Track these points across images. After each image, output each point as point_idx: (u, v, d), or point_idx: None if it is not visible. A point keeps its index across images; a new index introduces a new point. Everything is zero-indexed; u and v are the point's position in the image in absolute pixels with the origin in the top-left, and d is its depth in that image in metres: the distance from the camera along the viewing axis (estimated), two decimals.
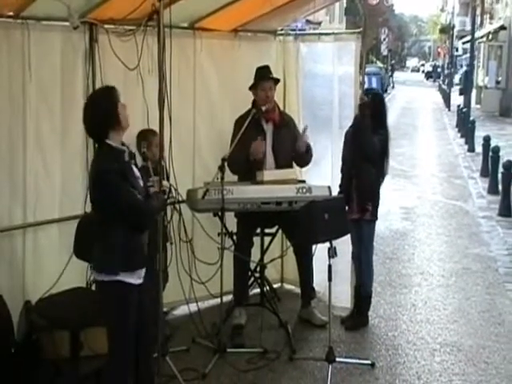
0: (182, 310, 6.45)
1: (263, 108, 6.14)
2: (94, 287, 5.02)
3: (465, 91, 23.47)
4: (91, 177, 4.22)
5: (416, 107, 36.90)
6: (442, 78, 55.25)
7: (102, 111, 4.16)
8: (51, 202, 5.64)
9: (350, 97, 6.45)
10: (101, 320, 4.60)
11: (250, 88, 6.29)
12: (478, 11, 36.20)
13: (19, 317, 5.34)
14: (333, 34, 7.15)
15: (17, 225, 5.43)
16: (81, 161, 5.69)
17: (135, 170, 4.38)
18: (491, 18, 39.97)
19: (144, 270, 4.33)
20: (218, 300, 5.81)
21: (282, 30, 7.22)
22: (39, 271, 5.52)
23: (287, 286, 7.47)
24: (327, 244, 5.49)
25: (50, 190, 5.62)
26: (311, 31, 10.26)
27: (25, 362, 5.16)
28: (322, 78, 7.12)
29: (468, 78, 26.02)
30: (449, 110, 34.07)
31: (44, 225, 5.59)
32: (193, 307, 5.96)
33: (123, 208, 4.12)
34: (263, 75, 6.25)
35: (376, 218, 6.45)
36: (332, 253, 5.47)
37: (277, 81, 6.38)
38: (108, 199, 4.09)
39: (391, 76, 53.19)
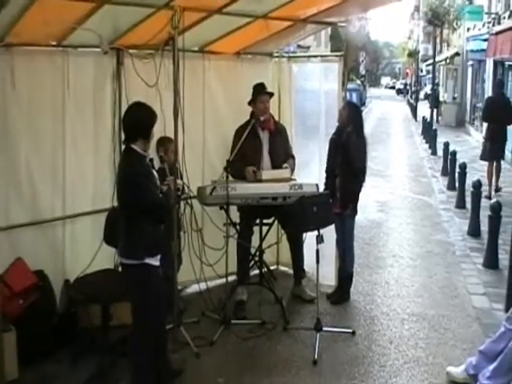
0: (193, 288, 6.42)
1: (261, 118, 6.10)
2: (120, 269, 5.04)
3: (432, 106, 23.60)
4: (121, 178, 4.19)
5: (389, 118, 36.82)
6: (410, 94, 55.13)
7: (141, 121, 4.18)
8: (85, 197, 5.66)
9: (335, 109, 6.43)
10: (126, 296, 4.59)
11: (249, 103, 6.24)
12: (438, 40, 36.21)
13: (60, 293, 5.40)
14: (320, 56, 7.14)
15: (58, 216, 5.47)
16: (109, 162, 5.69)
17: (154, 172, 4.37)
18: (448, 45, 39.99)
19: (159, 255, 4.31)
20: (224, 280, 5.79)
21: (277, 52, 7.18)
22: (76, 255, 5.54)
23: (282, 268, 7.41)
24: (316, 232, 5.47)
25: (84, 187, 5.64)
26: (301, 54, 10.17)
27: (65, 330, 5.22)
28: (311, 92, 7.07)
29: (434, 95, 26.10)
30: (415, 120, 33.97)
31: (80, 216, 5.61)
32: (202, 286, 5.91)
33: (149, 205, 4.12)
34: (261, 90, 6.20)
35: (356, 213, 6.42)
36: (319, 239, 5.46)
37: (271, 95, 6.34)
38: (137, 197, 4.08)
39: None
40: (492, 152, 12.41)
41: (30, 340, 4.75)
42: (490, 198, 11.49)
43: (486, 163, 12.72)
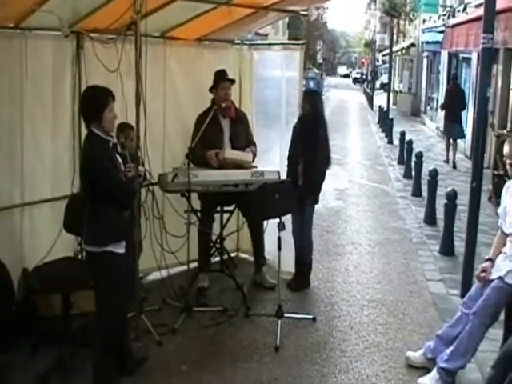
0: (153, 276, 6.37)
1: (223, 105, 6.06)
2: (80, 256, 4.97)
3: (388, 96, 23.95)
4: (84, 162, 4.11)
5: (346, 107, 37.12)
6: (366, 83, 55.69)
7: (89, 105, 4.09)
8: (44, 184, 5.52)
9: (295, 97, 6.46)
10: (87, 284, 4.53)
11: (210, 89, 6.20)
12: (395, 31, 36.65)
13: (18, 281, 5.26)
14: (281, 44, 7.13)
15: (16, 204, 5.33)
16: (69, 148, 5.58)
17: (118, 156, 4.29)
18: (404, 36, 40.50)
19: (125, 242, 4.26)
20: (185, 267, 5.77)
21: (238, 40, 7.15)
22: (34, 243, 5.41)
23: (242, 255, 7.41)
24: (277, 219, 5.47)
25: (43, 174, 5.50)
26: (263, 41, 10.15)
27: (24, 320, 5.10)
28: (272, 80, 7.06)
29: (389, 85, 26.47)
30: (372, 109, 34.36)
31: (38, 204, 5.48)
32: (164, 273, 5.86)
33: (112, 188, 4.06)
34: (222, 77, 6.17)
35: (317, 202, 6.48)
36: (281, 227, 5.45)
37: (233, 82, 6.30)
38: (99, 181, 4.01)
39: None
40: (450, 131, 15.42)
41: None
42: (447, 161, 15.35)
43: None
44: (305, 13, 6.34)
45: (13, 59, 5.09)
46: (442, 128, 16.39)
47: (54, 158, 5.56)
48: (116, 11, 4.85)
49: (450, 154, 15.44)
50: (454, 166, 14.91)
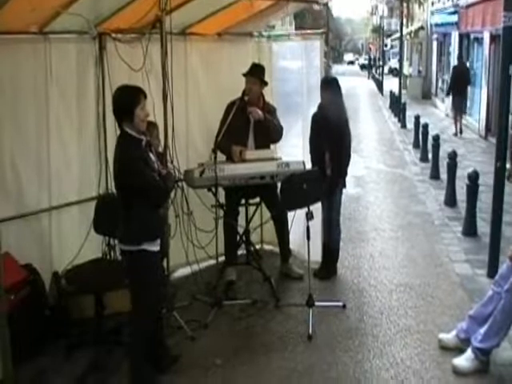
0: (180, 272, 6.34)
1: (245, 98, 6.02)
2: (108, 257, 4.98)
3: (400, 80, 23.90)
4: (118, 163, 4.08)
5: (355, 93, 36.76)
6: (374, 69, 55.34)
7: (120, 103, 4.06)
8: (71, 187, 5.53)
9: (316, 86, 6.38)
10: (119, 283, 4.55)
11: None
12: (404, 14, 36.42)
13: (50, 285, 5.28)
14: (301, 34, 7.08)
15: (44, 208, 5.34)
16: (94, 150, 5.60)
17: (151, 155, 4.27)
18: (412, 20, 40.18)
19: (159, 240, 4.26)
20: (211, 261, 5.83)
21: (256, 32, 7.10)
22: (63, 246, 5.43)
23: (266, 247, 7.38)
24: (304, 210, 5.46)
25: (70, 177, 5.51)
26: (281, 32, 10.06)
27: (58, 323, 5.12)
28: (292, 71, 7.05)
29: (400, 69, 26.36)
30: (382, 94, 34.15)
31: (65, 207, 5.49)
32: (190, 270, 5.92)
33: (147, 188, 4.03)
34: (249, 71, 6.11)
35: (345, 187, 6.48)
36: (310, 216, 5.44)
37: (263, 82, 6.19)
38: (134, 182, 3.99)
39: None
40: (457, 104, 17.57)
41: (22, 334, 4.61)
42: (456, 134, 17.27)
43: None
44: (325, 1, 6.26)
45: (37, 64, 5.10)
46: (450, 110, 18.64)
47: (80, 160, 5.57)
48: (139, 10, 4.82)
49: (458, 125, 17.52)
50: (461, 132, 17.38)
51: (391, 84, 32.43)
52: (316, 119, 6.29)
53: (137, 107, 4.01)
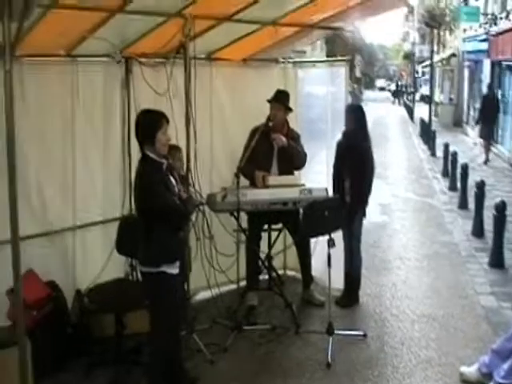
0: (201, 296, 6.38)
1: (270, 124, 6.10)
2: (131, 277, 5.04)
3: (430, 107, 23.92)
4: (137, 185, 4.17)
5: (385, 120, 36.82)
6: (405, 95, 55.24)
7: (142, 127, 4.17)
8: (95, 207, 5.64)
9: (341, 113, 6.43)
10: (139, 304, 4.61)
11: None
12: (435, 41, 36.37)
13: (72, 303, 5.37)
14: (326, 61, 7.16)
15: (68, 226, 5.45)
16: (119, 171, 5.71)
17: (172, 179, 4.35)
18: (444, 46, 40.13)
19: (179, 262, 4.32)
20: (232, 286, 5.85)
21: (282, 58, 7.17)
22: (86, 265, 5.53)
23: (289, 273, 7.39)
24: (325, 237, 5.47)
25: (94, 197, 5.62)
26: (307, 59, 10.14)
27: (79, 340, 5.21)
28: (317, 97, 7.13)
29: (431, 96, 26.34)
30: (412, 121, 34.05)
31: (89, 226, 5.60)
32: (212, 292, 5.92)
33: (167, 211, 4.10)
34: (274, 97, 6.20)
35: (365, 216, 6.47)
36: (331, 243, 5.45)
37: (287, 108, 6.27)
38: (155, 205, 4.07)
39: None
40: (486, 133, 17.70)
41: (43, 351, 4.74)
42: (486, 162, 17.34)
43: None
44: (350, 29, 6.34)
45: (65, 86, 5.25)
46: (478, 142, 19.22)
47: (105, 181, 5.68)
48: (164, 36, 4.95)
49: (484, 151, 17.85)
50: (488, 161, 17.49)
51: (422, 111, 32.31)
52: (339, 146, 6.35)
53: (158, 131, 4.10)
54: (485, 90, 21.14)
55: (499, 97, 19.03)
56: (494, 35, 18.98)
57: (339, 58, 6.79)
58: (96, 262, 5.46)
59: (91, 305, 5.07)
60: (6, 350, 3.94)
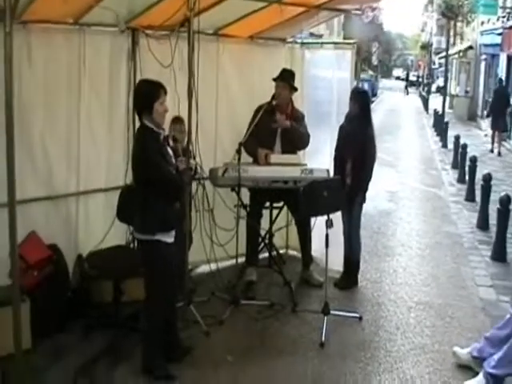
0: (203, 269, 6.48)
1: (273, 102, 6.15)
2: (132, 245, 5.12)
3: (444, 99, 23.87)
4: (134, 154, 4.26)
5: (400, 110, 36.77)
6: (422, 86, 54.94)
7: (140, 96, 4.27)
8: (99, 175, 5.75)
9: (346, 96, 6.44)
10: (137, 272, 4.70)
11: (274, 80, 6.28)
12: (452, 33, 36.06)
13: (73, 267, 5.50)
14: (333, 43, 7.17)
15: (71, 192, 5.56)
16: (123, 140, 5.77)
17: (169, 149, 4.43)
18: (461, 39, 39.81)
19: (174, 232, 4.40)
20: (234, 261, 5.90)
21: (290, 38, 7.22)
22: (89, 231, 5.64)
23: (291, 252, 7.47)
24: (325, 217, 5.51)
25: (98, 165, 5.72)
26: (314, 40, 10.19)
27: (78, 304, 5.34)
28: (323, 80, 7.09)
29: (444, 88, 26.21)
30: (427, 113, 33.90)
31: (93, 193, 5.70)
32: (213, 266, 6.03)
33: (162, 180, 4.20)
34: (280, 76, 6.24)
35: (364, 201, 6.51)
36: (329, 224, 5.49)
37: (292, 88, 6.31)
38: (149, 173, 4.16)
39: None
40: (497, 124, 18.46)
41: (43, 311, 4.86)
42: (492, 151, 18.18)
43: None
44: (357, 12, 6.35)
45: (71, 54, 5.32)
46: (489, 133, 19.73)
47: (109, 149, 5.77)
48: (170, 9, 4.98)
49: (495, 144, 18.36)
50: (499, 154, 17.84)
51: (438, 102, 32.17)
52: (342, 129, 6.40)
53: (156, 101, 4.20)
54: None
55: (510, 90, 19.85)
56: (507, 28, 18.83)
57: (347, 41, 6.74)
58: (98, 228, 5.57)
59: (91, 270, 5.17)
60: (6, 308, 4.03)
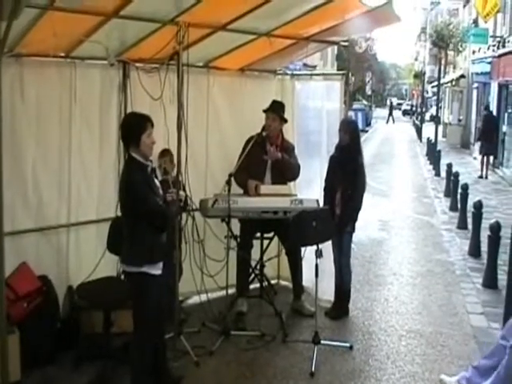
0: (194, 300, 6.53)
1: (263, 133, 6.24)
2: (122, 277, 5.15)
3: (436, 128, 24.10)
4: (122, 185, 4.32)
5: (394, 138, 36.93)
6: (415, 115, 55.29)
7: (127, 129, 4.34)
8: (90, 206, 5.80)
9: (336, 126, 6.49)
10: (127, 303, 4.71)
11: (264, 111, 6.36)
12: (444, 62, 36.41)
13: (63, 298, 5.53)
14: (322, 74, 7.28)
15: (63, 223, 5.61)
16: (114, 173, 5.83)
17: (156, 181, 4.50)
18: (454, 67, 40.21)
19: (162, 263, 4.43)
20: (224, 291, 5.89)
21: (280, 70, 7.32)
22: (79, 262, 5.68)
23: (283, 282, 7.49)
24: (315, 247, 5.55)
25: (89, 197, 5.78)
26: (304, 72, 10.31)
27: (68, 335, 5.35)
28: (313, 110, 7.18)
29: (437, 116, 26.45)
30: (420, 141, 34.05)
31: (84, 224, 5.76)
32: (203, 297, 6.05)
33: (149, 211, 4.25)
34: (270, 108, 6.33)
35: (354, 231, 6.55)
36: (319, 254, 5.54)
37: (282, 119, 6.39)
38: (137, 204, 4.21)
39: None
40: (486, 149, 19.03)
41: (32, 343, 4.88)
42: (481, 177, 18.61)
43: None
44: (345, 44, 6.46)
45: (63, 87, 5.42)
46: (478, 158, 20.35)
47: (100, 181, 5.84)
48: (160, 42, 5.08)
49: (484, 169, 19.02)
50: (486, 177, 18.65)
51: (431, 131, 32.38)
52: (332, 159, 6.47)
53: (143, 134, 4.28)
54: (493, 111, 21.33)
55: (496, 116, 20.90)
56: (495, 57, 19.09)
57: (335, 72, 6.87)
58: (89, 259, 5.59)
59: (81, 301, 5.19)
60: None
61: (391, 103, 60.62)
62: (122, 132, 4.38)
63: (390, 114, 55.17)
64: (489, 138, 19.16)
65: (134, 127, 4.30)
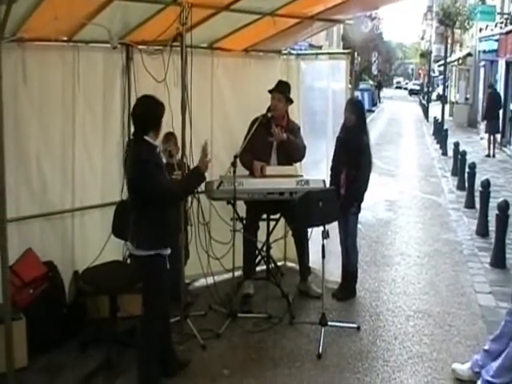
0: (200, 282, 6.49)
1: (269, 114, 6.16)
2: (128, 261, 5.13)
3: (443, 106, 23.93)
4: (132, 166, 4.25)
5: (400, 118, 36.76)
6: (422, 94, 54.97)
7: (152, 114, 4.27)
8: (94, 191, 5.76)
9: (342, 107, 6.42)
10: (133, 287, 4.70)
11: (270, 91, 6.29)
12: (450, 40, 36.06)
13: (69, 284, 5.52)
14: (327, 53, 7.18)
15: (67, 209, 5.57)
16: (118, 156, 5.77)
17: (163, 163, 4.48)
18: (461, 46, 39.84)
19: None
20: (231, 274, 5.85)
21: (285, 50, 7.22)
22: (85, 247, 5.65)
23: (289, 264, 7.45)
24: (321, 228, 5.49)
25: (94, 181, 5.74)
26: (309, 51, 10.21)
27: (74, 320, 5.33)
28: (319, 90, 7.10)
29: (443, 95, 26.24)
30: (427, 121, 33.90)
31: (88, 209, 5.72)
32: (209, 280, 5.98)
33: (158, 190, 4.20)
34: (276, 88, 6.25)
35: (360, 211, 6.48)
36: (325, 235, 5.48)
37: (288, 100, 6.32)
38: (147, 184, 4.15)
39: (379, 92, 52.70)
40: (491, 127, 19.05)
41: (39, 329, 4.86)
42: (489, 156, 18.60)
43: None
44: (350, 22, 6.34)
45: (66, 71, 5.35)
46: (485, 136, 20.42)
47: (104, 165, 5.79)
48: (163, 23, 4.99)
49: (491, 147, 18.96)
50: (494, 155, 18.61)
51: (438, 110, 32.21)
52: (338, 140, 6.39)
53: (163, 117, 4.29)
54: (500, 89, 21.14)
55: (504, 94, 20.99)
56: (504, 34, 18.85)
57: (341, 51, 6.77)
58: (94, 244, 5.55)
59: (86, 286, 5.17)
60: (0, 327, 4.02)
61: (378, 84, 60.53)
62: (140, 117, 4.27)
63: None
64: (493, 117, 19.17)
65: (157, 115, 4.28)
